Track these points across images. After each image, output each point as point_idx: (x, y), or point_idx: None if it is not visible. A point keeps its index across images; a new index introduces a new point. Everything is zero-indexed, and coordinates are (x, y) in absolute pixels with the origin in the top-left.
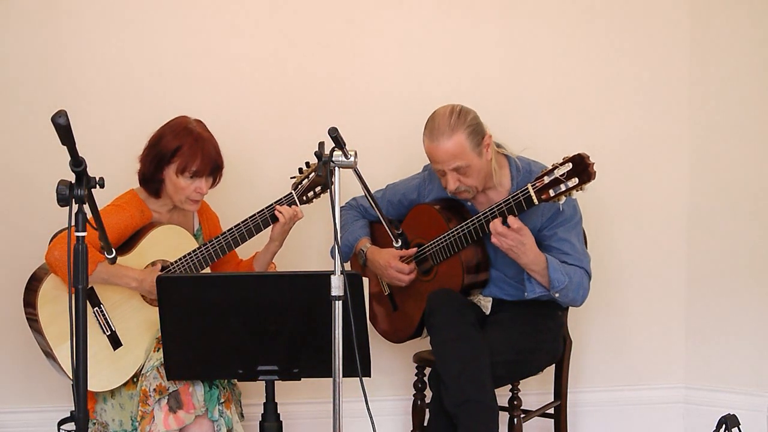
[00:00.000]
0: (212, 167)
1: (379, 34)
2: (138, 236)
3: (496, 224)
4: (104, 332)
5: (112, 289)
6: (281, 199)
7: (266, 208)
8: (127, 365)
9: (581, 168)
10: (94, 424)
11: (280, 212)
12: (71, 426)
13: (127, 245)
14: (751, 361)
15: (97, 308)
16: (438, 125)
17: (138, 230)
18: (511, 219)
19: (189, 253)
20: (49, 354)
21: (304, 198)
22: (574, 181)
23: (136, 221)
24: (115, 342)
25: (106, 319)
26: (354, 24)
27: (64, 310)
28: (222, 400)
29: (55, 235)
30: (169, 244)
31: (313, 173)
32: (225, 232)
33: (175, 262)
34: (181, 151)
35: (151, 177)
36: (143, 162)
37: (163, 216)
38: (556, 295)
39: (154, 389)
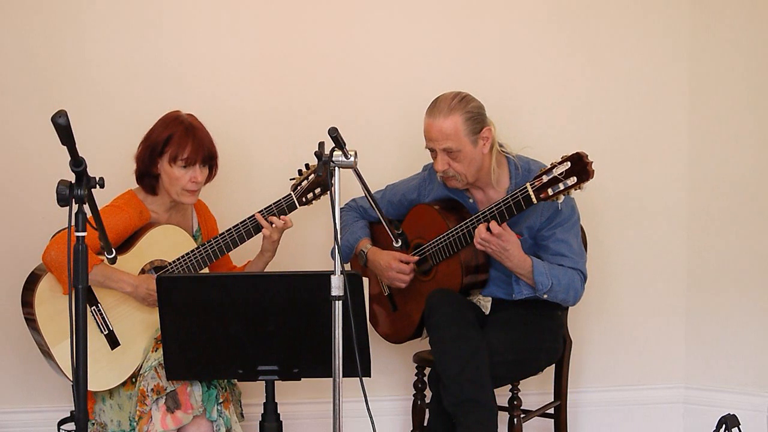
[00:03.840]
0: (204, 154)
1: (380, 34)
2: (136, 236)
3: (480, 230)
4: (102, 331)
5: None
6: (280, 200)
7: (266, 208)
8: (125, 365)
9: (580, 167)
10: (93, 424)
11: (266, 227)
12: (71, 426)
13: (125, 245)
14: (751, 361)
15: (94, 307)
16: (439, 104)
17: (137, 230)
18: (492, 225)
19: (187, 253)
20: (47, 353)
21: (303, 200)
22: (573, 179)
23: (134, 222)
24: (113, 341)
25: (103, 318)
26: (354, 24)
27: (61, 309)
28: (221, 400)
29: (54, 235)
30: (167, 243)
31: (312, 175)
32: (224, 233)
33: (173, 262)
34: (172, 139)
35: (147, 171)
36: (138, 158)
37: (162, 216)
38: (544, 296)
39: (152, 389)
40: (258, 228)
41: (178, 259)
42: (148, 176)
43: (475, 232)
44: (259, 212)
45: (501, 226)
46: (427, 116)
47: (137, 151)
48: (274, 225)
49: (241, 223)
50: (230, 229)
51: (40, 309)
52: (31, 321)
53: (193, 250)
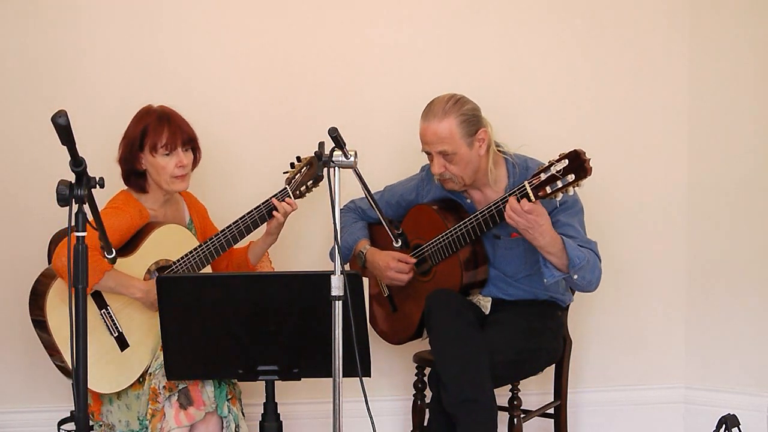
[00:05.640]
0: (183, 138)
1: (380, 34)
2: (139, 237)
3: (512, 202)
4: (111, 333)
5: None
6: (277, 194)
7: (263, 203)
8: (134, 366)
9: (577, 164)
10: (101, 426)
11: (276, 209)
12: (71, 426)
13: (128, 246)
14: (751, 361)
15: (104, 310)
16: (433, 107)
17: (139, 230)
18: (524, 202)
19: (190, 252)
20: (55, 355)
21: (298, 192)
22: (571, 177)
23: (136, 221)
24: (122, 343)
25: (113, 320)
26: (354, 24)
27: None
28: (229, 397)
29: (55, 236)
30: (170, 243)
31: (305, 167)
32: (224, 229)
33: (177, 261)
34: (148, 130)
35: (132, 170)
36: (120, 160)
37: (158, 211)
38: (575, 276)
39: (164, 386)
40: (256, 224)
41: (182, 258)
42: (134, 175)
43: (506, 206)
44: (256, 207)
45: (533, 202)
46: (422, 120)
47: (118, 154)
48: (283, 210)
49: (240, 219)
50: (230, 225)
51: (51, 312)
52: (41, 323)
53: (196, 248)
